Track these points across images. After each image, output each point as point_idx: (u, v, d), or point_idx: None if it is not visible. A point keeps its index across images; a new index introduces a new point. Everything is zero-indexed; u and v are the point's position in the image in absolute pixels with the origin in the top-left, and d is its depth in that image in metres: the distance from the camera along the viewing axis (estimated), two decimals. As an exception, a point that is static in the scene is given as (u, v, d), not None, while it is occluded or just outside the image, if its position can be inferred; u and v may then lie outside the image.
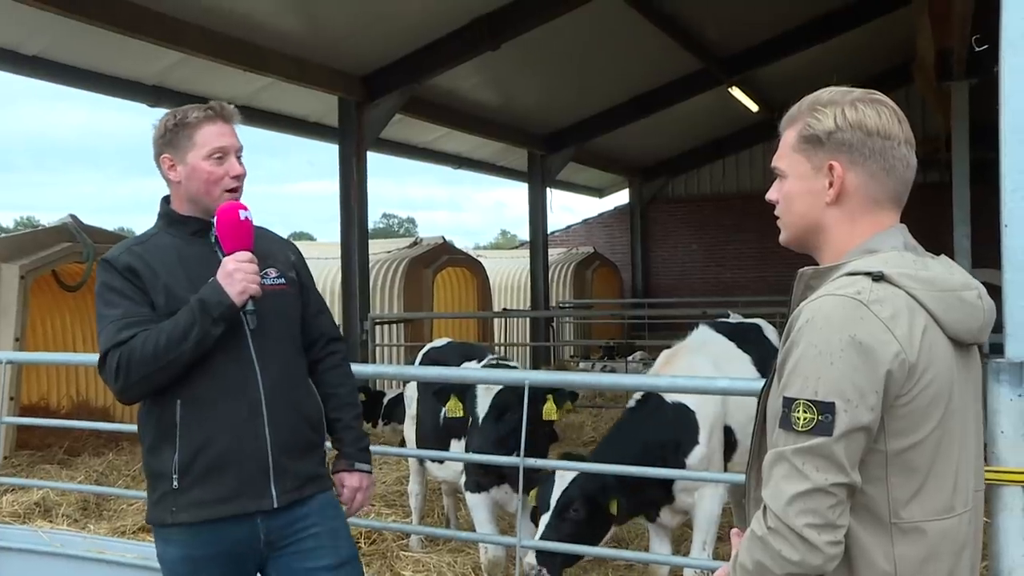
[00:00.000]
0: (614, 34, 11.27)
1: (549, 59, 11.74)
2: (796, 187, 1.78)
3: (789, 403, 1.59)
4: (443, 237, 13.80)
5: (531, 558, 3.70)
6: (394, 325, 12.14)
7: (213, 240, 2.72)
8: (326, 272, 11.81)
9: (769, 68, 13.64)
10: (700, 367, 4.09)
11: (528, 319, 15.35)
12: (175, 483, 2.60)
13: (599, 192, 20.52)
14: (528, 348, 15.16)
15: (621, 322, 17.78)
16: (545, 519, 3.77)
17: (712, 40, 12.70)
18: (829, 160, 1.72)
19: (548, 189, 15.56)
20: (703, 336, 4.57)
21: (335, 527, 2.81)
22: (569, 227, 21.29)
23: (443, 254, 13.34)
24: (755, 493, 1.82)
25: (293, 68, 9.21)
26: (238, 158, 2.73)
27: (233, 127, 2.74)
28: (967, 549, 1.69)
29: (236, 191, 2.72)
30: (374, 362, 10.78)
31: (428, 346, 5.66)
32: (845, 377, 1.56)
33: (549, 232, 16.36)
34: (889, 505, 1.61)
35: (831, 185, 1.73)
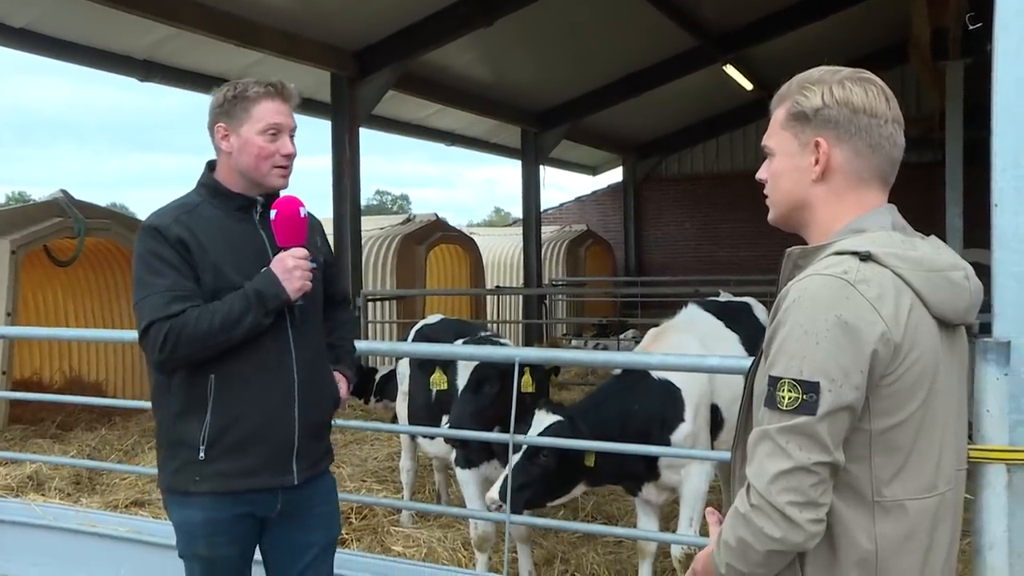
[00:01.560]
0: (608, 11, 11.22)
1: (543, 36, 11.69)
2: (783, 164, 1.80)
3: (775, 382, 1.61)
4: (436, 214, 13.78)
5: (494, 492, 3.71)
6: (387, 302, 12.14)
7: (257, 220, 2.76)
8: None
9: (764, 46, 13.60)
10: (687, 345, 4.11)
11: (521, 296, 15.37)
12: (201, 454, 2.65)
13: (592, 170, 20.50)
14: (521, 325, 15.19)
15: (613, 300, 17.81)
16: (514, 460, 3.75)
17: (707, 18, 12.65)
18: (815, 137, 1.74)
19: (541, 166, 15.54)
20: (691, 315, 4.58)
21: (333, 510, 2.97)
22: (562, 205, 21.28)
23: (436, 231, 13.33)
24: (740, 471, 1.84)
25: (284, 43, 9.15)
26: (291, 138, 2.75)
27: (291, 107, 2.76)
28: (946, 526, 1.71)
29: (285, 169, 2.75)
30: (366, 339, 10.79)
31: (421, 323, 5.66)
32: (830, 357, 1.57)
33: (542, 210, 16.34)
34: (872, 483, 1.63)
35: (817, 162, 1.74)
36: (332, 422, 3.01)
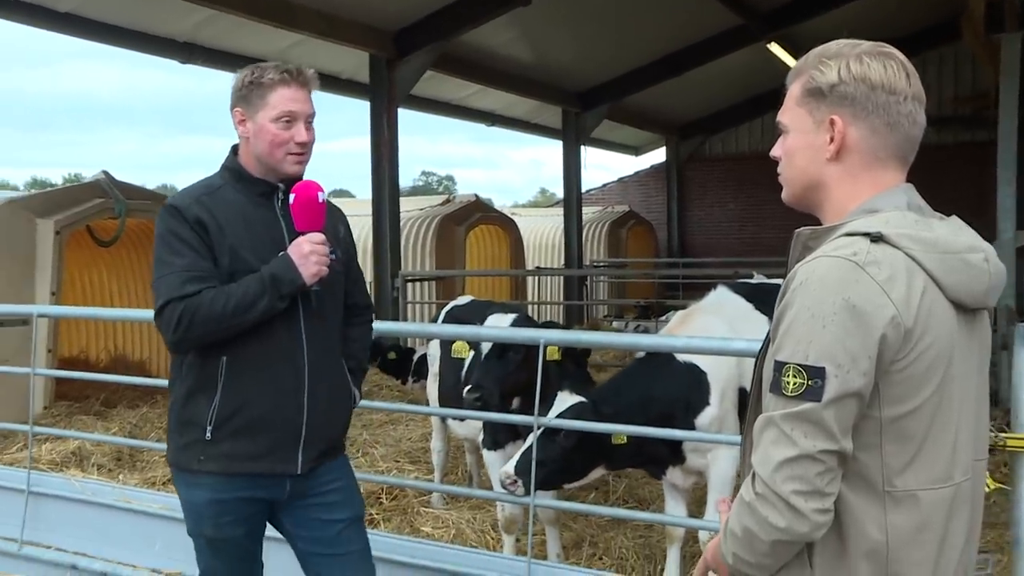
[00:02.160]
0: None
1: (584, 14, 11.55)
2: (797, 142, 1.73)
3: (780, 367, 1.56)
4: (476, 195, 13.76)
5: (509, 467, 3.69)
6: (425, 282, 12.17)
7: (278, 206, 2.75)
8: (363, 229, 11.87)
9: (809, 23, 13.30)
10: (714, 328, 4.03)
11: (562, 278, 15.30)
12: (208, 434, 2.67)
13: (635, 150, 20.30)
14: (561, 307, 15.15)
15: (655, 281, 17.66)
16: (531, 438, 3.72)
17: (751, -7, 12.41)
18: (831, 114, 1.67)
19: (582, 147, 15.42)
20: (720, 297, 4.50)
21: (351, 484, 2.96)
22: (605, 185, 21.13)
23: (475, 212, 13.32)
24: (750, 459, 1.81)
25: (323, 24, 9.15)
26: (309, 124, 2.73)
27: (308, 92, 2.73)
28: (962, 518, 1.65)
29: (301, 156, 2.73)
30: (405, 319, 10.84)
31: (451, 304, 5.67)
32: (837, 341, 1.52)
33: (585, 190, 16.24)
34: (883, 473, 1.58)
35: (832, 140, 1.67)
36: (349, 415, 2.99)
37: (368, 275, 11.26)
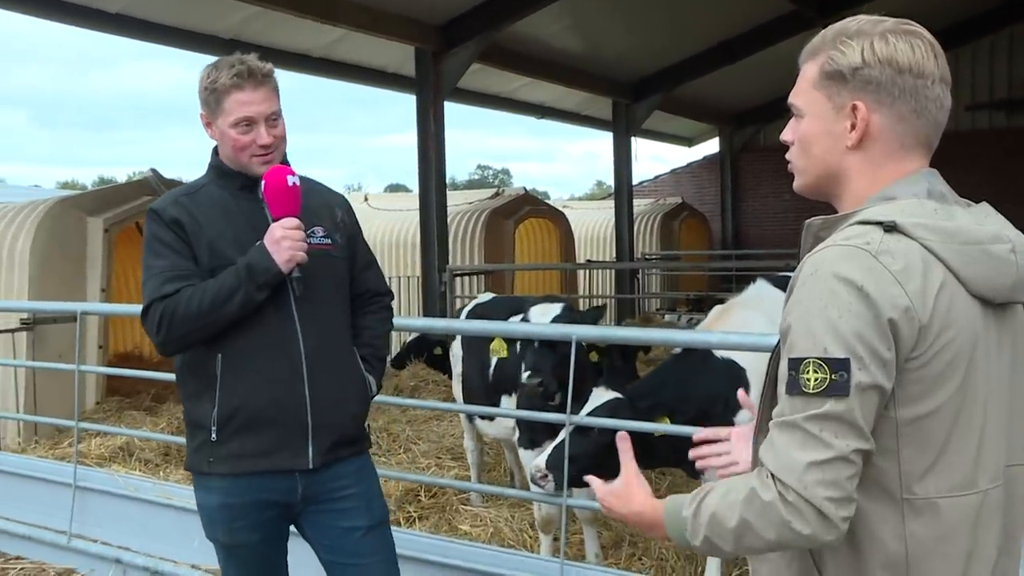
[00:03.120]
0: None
1: (632, 5, 11.36)
2: (814, 128, 1.61)
3: (797, 364, 1.44)
4: (524, 188, 13.68)
5: (541, 461, 3.60)
6: (474, 277, 12.12)
7: (260, 196, 2.70)
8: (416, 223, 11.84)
9: (870, 6, 12.88)
10: (752, 323, 3.89)
11: (613, 271, 15.14)
12: (213, 435, 2.63)
13: (688, 141, 19.98)
14: (613, 300, 14.98)
15: (708, 274, 17.39)
16: (563, 434, 3.62)
17: (806, -23, 12.08)
18: (853, 100, 1.55)
19: (633, 138, 15.21)
20: (759, 291, 4.35)
21: (370, 489, 2.86)
22: (657, 177, 20.87)
23: (524, 205, 13.22)
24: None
25: (366, 18, 9.13)
26: (272, 122, 2.66)
27: (268, 90, 2.65)
28: (992, 528, 1.52)
29: (266, 155, 2.67)
30: (453, 314, 10.80)
31: (473, 302, 5.60)
32: (856, 331, 1.40)
33: (637, 182, 16.03)
34: (901, 479, 1.46)
35: (853, 127, 1.55)
36: (366, 409, 2.91)
37: (416, 269, 11.26)
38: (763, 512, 1.43)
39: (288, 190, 2.62)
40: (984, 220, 1.54)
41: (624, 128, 14.94)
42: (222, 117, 2.63)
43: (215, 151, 2.78)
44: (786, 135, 1.67)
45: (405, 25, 9.67)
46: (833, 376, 1.40)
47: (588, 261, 15.61)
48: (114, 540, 5.18)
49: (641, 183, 19.85)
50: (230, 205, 2.69)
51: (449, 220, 11.51)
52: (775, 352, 1.62)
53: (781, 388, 1.49)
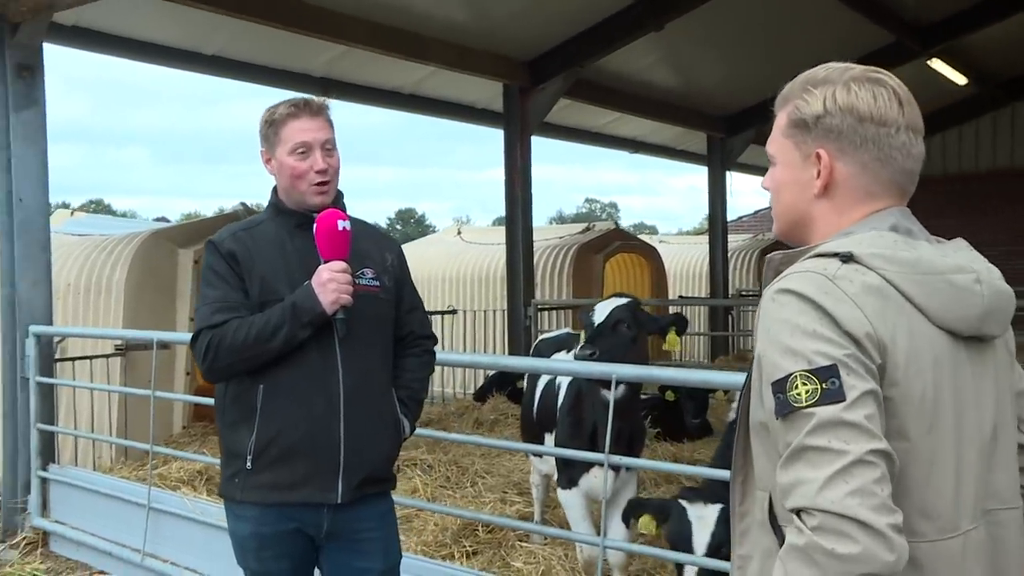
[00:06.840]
0: (796, 8, 10.60)
1: (730, 36, 11.21)
2: (784, 176, 1.62)
3: (782, 384, 1.36)
4: (616, 223, 13.60)
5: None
6: (559, 311, 12.08)
7: (314, 235, 2.77)
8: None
9: (978, 34, 12.37)
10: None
11: (706, 307, 14.85)
12: (249, 464, 2.69)
13: (789, 175, 19.51)
14: (707, 338, 14.67)
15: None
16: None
17: (908, 7, 11.67)
18: (816, 148, 1.54)
19: (728, 172, 14.96)
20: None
21: (390, 534, 2.92)
22: (757, 212, 20.46)
23: (614, 240, 13.14)
24: (740, 507, 1.61)
25: (454, 55, 9.29)
26: (328, 151, 2.76)
27: (323, 120, 2.77)
28: (973, 573, 1.43)
29: (323, 186, 2.75)
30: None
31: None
32: (831, 343, 1.35)
33: (737, 217, 15.74)
34: None
35: (819, 175, 1.54)
36: (398, 451, 2.95)
37: (502, 303, 11.30)
38: (805, 558, 1.29)
39: (338, 234, 2.69)
40: (952, 254, 1.48)
41: (719, 162, 14.72)
42: (280, 147, 2.74)
43: (274, 190, 2.88)
44: (765, 182, 1.68)
45: (492, 62, 9.80)
46: (824, 385, 1.33)
47: (681, 297, 15.35)
48: (182, 561, 5.34)
49: (740, 218, 19.47)
50: (285, 242, 2.78)
51: (538, 255, 11.52)
52: (746, 384, 1.56)
53: (771, 419, 1.40)
